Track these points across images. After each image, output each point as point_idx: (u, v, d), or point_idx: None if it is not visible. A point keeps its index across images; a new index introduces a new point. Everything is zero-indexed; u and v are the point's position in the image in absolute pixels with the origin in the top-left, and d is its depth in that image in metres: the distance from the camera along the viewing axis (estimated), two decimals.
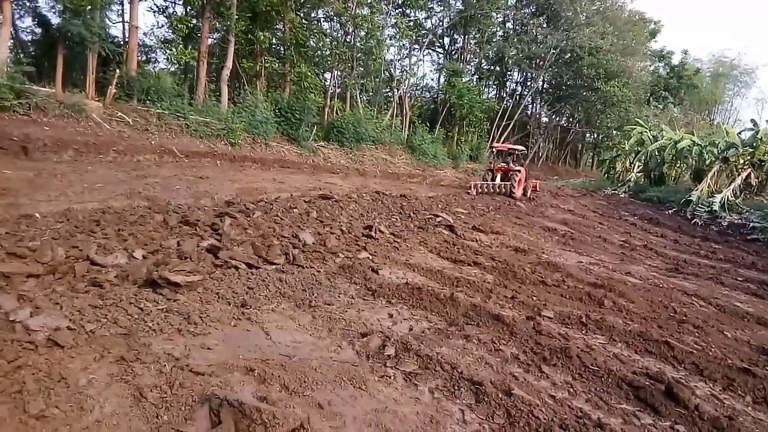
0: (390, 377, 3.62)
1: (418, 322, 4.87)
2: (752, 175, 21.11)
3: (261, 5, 21.43)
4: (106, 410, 2.78)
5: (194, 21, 21.97)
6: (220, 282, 5.04)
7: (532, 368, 4.05)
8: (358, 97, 29.61)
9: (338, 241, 7.49)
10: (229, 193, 10.85)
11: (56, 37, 17.38)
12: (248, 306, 4.56)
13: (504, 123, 40.18)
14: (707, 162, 23.87)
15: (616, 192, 28.33)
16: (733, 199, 19.55)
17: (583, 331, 5.07)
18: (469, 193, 19.23)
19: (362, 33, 26.73)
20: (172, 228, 6.74)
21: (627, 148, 31.76)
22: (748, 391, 4.10)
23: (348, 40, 27.09)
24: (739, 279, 8.96)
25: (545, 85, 47.42)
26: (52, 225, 6.04)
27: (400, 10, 33.57)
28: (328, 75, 29.13)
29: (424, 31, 36.34)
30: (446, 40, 41.18)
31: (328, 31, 28.64)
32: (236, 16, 19.89)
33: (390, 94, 35.44)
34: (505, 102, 42.17)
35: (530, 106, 48.26)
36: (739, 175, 20.95)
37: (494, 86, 46.98)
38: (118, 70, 16.75)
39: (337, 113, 27.28)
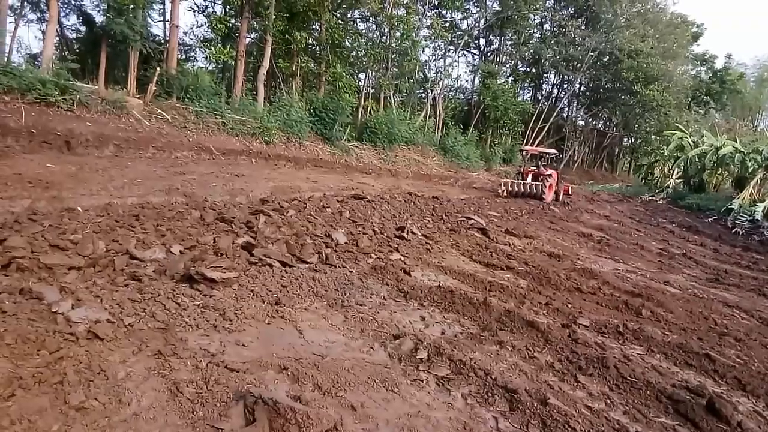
0: (422, 381, 3.59)
1: (451, 325, 4.82)
2: None
3: (298, 5, 21.64)
4: (144, 404, 2.82)
5: (233, 21, 22.36)
6: (255, 279, 5.08)
7: (568, 377, 3.96)
8: (392, 98, 29.62)
9: (370, 242, 7.49)
10: (263, 191, 10.96)
11: (100, 35, 17.91)
12: (282, 304, 4.59)
13: (539, 126, 39.69)
14: (750, 169, 23.11)
15: (653, 198, 27.68)
16: None
17: (620, 341, 4.94)
18: (499, 195, 19.07)
19: (398, 34, 26.76)
20: (209, 224, 6.84)
21: (666, 154, 31.00)
22: None
23: (383, 40, 27.15)
24: None
25: (582, 88, 46.72)
26: (94, 219, 6.19)
27: (436, 11, 33.50)
28: (362, 75, 29.30)
29: (459, 32, 36.19)
30: (482, 41, 40.95)
31: (364, 31, 28.81)
32: (274, 16, 20.12)
33: (424, 95, 35.39)
34: (540, 104, 41.67)
35: (566, 109, 47.64)
36: None
37: (530, 88, 46.52)
38: (158, 68, 17.12)
39: (370, 113, 27.37)
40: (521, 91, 44.18)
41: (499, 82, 35.62)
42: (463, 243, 8.76)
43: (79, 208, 6.61)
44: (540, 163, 21.62)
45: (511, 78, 41.23)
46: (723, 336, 5.48)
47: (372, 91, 29.19)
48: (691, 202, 24.68)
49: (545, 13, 39.54)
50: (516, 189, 19.09)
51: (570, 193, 21.23)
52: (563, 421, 3.20)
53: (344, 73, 23.06)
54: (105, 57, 16.93)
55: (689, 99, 46.60)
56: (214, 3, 26.00)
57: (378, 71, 27.62)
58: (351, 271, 6.03)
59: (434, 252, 7.81)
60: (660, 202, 26.75)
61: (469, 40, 38.42)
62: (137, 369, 3.12)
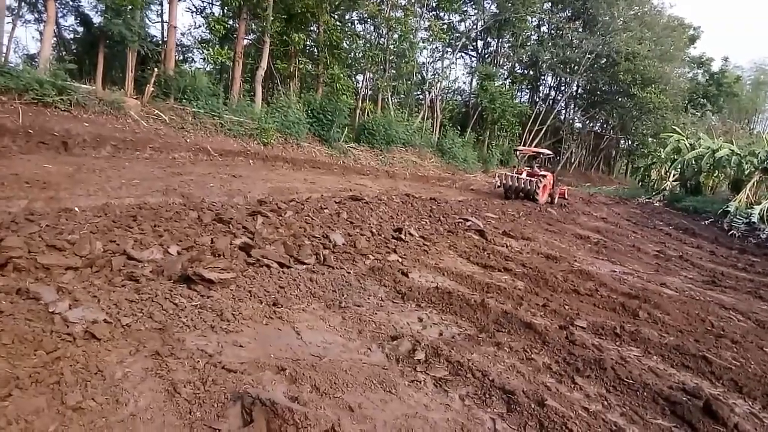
0: (420, 382, 3.59)
1: (448, 327, 4.82)
2: None
3: (297, 7, 21.68)
4: (141, 404, 2.82)
5: (231, 22, 22.35)
6: (253, 280, 5.08)
7: (565, 379, 3.97)
8: (390, 100, 29.64)
9: (368, 243, 7.50)
10: (261, 192, 10.96)
11: (98, 36, 17.90)
12: (279, 305, 4.59)
13: (536, 128, 39.74)
14: (746, 172, 23.19)
15: (650, 201, 27.78)
16: None
17: (618, 343, 4.95)
18: (496, 188, 19.24)
19: (396, 35, 26.79)
20: (206, 225, 6.83)
21: (663, 156, 31.12)
22: None
23: (381, 42, 27.18)
24: None
25: (579, 90, 46.81)
26: (91, 219, 6.18)
27: (434, 12, 33.53)
28: (360, 77, 29.32)
29: (457, 35, 36.21)
30: (479, 43, 41.01)
31: (362, 33, 28.82)
32: (272, 18, 20.11)
33: (421, 96, 35.41)
34: (537, 107, 41.69)
35: (563, 111, 47.71)
36: None
37: (527, 90, 46.62)
38: (156, 69, 17.11)
39: (368, 115, 27.36)
40: (519, 93, 44.28)
41: (496, 84, 35.64)
42: (461, 244, 8.77)
43: (76, 209, 6.60)
44: (534, 163, 21.53)
45: (508, 80, 41.28)
46: (720, 338, 5.50)
47: (370, 92, 29.22)
48: (688, 205, 24.77)
49: (543, 16, 39.61)
50: (510, 182, 19.01)
51: (567, 196, 21.03)
52: (561, 422, 3.21)
53: (342, 75, 23.04)
54: (102, 58, 16.91)
55: (686, 101, 46.75)
56: (212, 4, 26.00)
57: (376, 73, 27.63)
58: (349, 272, 6.03)
59: (432, 253, 7.82)
60: (657, 204, 26.83)
61: (467, 42, 38.46)
62: (134, 369, 3.12)
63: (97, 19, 20.43)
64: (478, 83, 36.40)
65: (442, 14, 34.31)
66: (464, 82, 43.75)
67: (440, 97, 34.61)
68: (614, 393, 3.85)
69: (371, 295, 5.39)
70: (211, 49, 19.98)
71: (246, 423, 2.76)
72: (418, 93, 35.79)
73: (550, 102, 45.13)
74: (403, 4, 27.60)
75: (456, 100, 42.30)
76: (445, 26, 33.31)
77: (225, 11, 23.59)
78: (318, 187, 13.50)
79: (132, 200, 7.86)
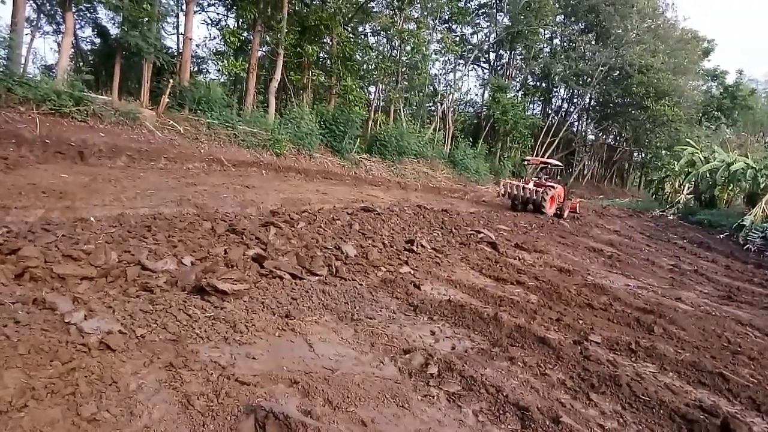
0: (433, 397, 3.56)
1: (461, 340, 4.79)
2: None
3: (310, 19, 21.94)
4: (155, 416, 2.81)
5: (245, 34, 22.61)
6: (265, 291, 5.08)
7: (580, 395, 3.91)
8: (402, 111, 29.77)
9: (380, 255, 7.48)
10: (274, 203, 11.00)
11: (114, 47, 18.18)
12: (292, 317, 4.58)
13: (549, 140, 39.68)
14: (762, 186, 22.98)
15: (664, 214, 27.55)
16: None
17: (633, 359, 4.88)
18: (498, 195, 19.02)
19: (408, 47, 26.95)
20: (220, 236, 6.86)
21: (677, 169, 30.88)
22: None
23: (394, 54, 27.35)
24: None
25: (592, 103, 46.71)
26: (106, 229, 6.23)
27: (447, 25, 33.78)
28: (372, 88, 29.50)
29: (469, 47, 36.37)
30: (492, 55, 41.14)
31: (375, 45, 29.05)
32: (286, 30, 20.33)
33: (433, 108, 35.56)
34: (550, 118, 41.65)
35: (576, 123, 47.65)
36: None
37: (539, 102, 46.62)
38: (171, 80, 17.32)
39: (380, 126, 27.50)
40: (531, 105, 44.31)
41: (508, 96, 35.69)
42: (473, 257, 8.73)
43: (92, 219, 6.67)
44: (542, 174, 21.07)
45: (520, 92, 41.34)
46: (736, 354, 5.41)
47: (382, 104, 29.39)
48: (703, 218, 24.52)
49: (555, 28, 39.69)
50: (515, 192, 18.57)
51: (578, 210, 20.39)
52: None
53: (355, 86, 23.20)
54: (119, 69, 17.14)
55: (700, 114, 46.51)
56: (227, 16, 26.38)
57: (388, 84, 27.80)
58: (361, 284, 6.02)
59: (444, 266, 7.78)
60: (671, 217, 26.61)
61: (479, 55, 38.59)
62: (149, 381, 3.12)
63: (114, 31, 20.86)
64: (490, 95, 36.47)
65: (454, 27, 34.59)
66: (476, 94, 44.01)
67: (452, 109, 34.71)
68: (630, 410, 3.79)
69: (383, 308, 5.37)
70: (225, 61, 20.23)
71: None
72: (430, 104, 35.96)
73: (563, 114, 45.10)
74: (415, 16, 27.81)
75: (468, 111, 42.44)
76: (458, 38, 33.53)
77: (240, 23, 23.93)
78: (330, 198, 13.54)
79: (147, 210, 7.92)
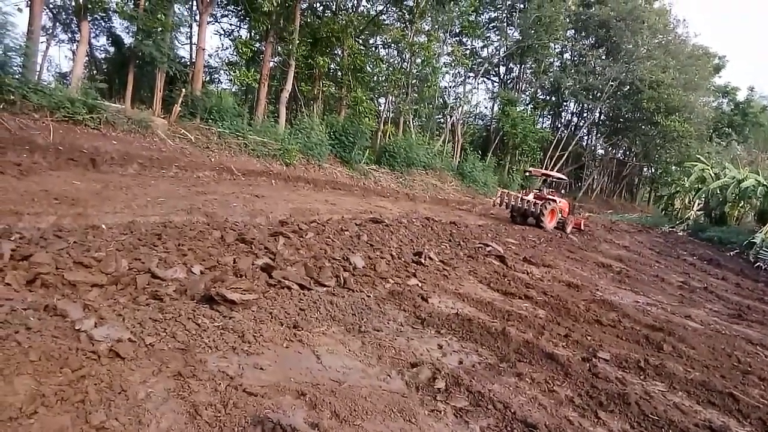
0: (440, 412, 3.55)
1: (469, 355, 4.77)
2: None
3: (322, 31, 22.13)
4: (163, 425, 2.82)
5: (258, 45, 22.81)
6: (274, 301, 5.09)
7: (588, 413, 3.89)
8: (411, 123, 29.86)
9: (388, 266, 7.48)
10: (283, 213, 11.04)
11: (128, 56, 18.39)
12: (300, 327, 4.59)
13: (558, 153, 39.62)
14: None
15: (673, 230, 27.37)
16: None
17: (642, 377, 4.85)
18: (494, 205, 18.76)
19: (418, 60, 27.08)
20: (229, 245, 6.89)
21: (687, 185, 30.73)
22: None
23: (404, 66, 27.48)
24: None
25: (602, 117, 46.65)
26: (117, 236, 6.28)
27: (457, 38, 33.93)
28: (382, 100, 29.62)
29: (479, 60, 36.50)
30: (502, 69, 41.24)
31: (385, 57, 29.19)
32: (298, 41, 20.50)
33: (443, 120, 35.63)
34: (559, 132, 41.62)
35: (586, 137, 47.58)
36: None
37: (549, 116, 46.61)
38: (183, 89, 17.48)
39: (389, 138, 27.57)
40: (540, 119, 44.30)
41: (518, 110, 35.73)
42: (481, 270, 8.71)
43: (103, 226, 6.72)
44: (544, 187, 20.36)
45: (530, 105, 41.37)
46: (747, 374, 5.36)
47: (392, 115, 29.50)
48: (713, 235, 24.35)
49: (566, 43, 39.79)
50: (513, 202, 18.21)
51: (583, 228, 19.77)
52: None
53: (365, 98, 23.31)
54: (132, 77, 17.33)
55: (711, 131, 46.33)
56: (240, 27, 26.64)
57: (398, 96, 27.90)
58: (368, 296, 6.02)
59: (452, 278, 7.77)
60: (680, 233, 26.44)
61: (489, 68, 38.72)
62: (157, 390, 3.14)
63: (128, 40, 21.06)
64: (499, 108, 36.54)
65: (465, 40, 34.71)
66: (486, 107, 43.97)
67: (461, 121, 34.78)
68: (638, 429, 3.76)
69: (391, 320, 5.36)
70: (237, 71, 20.40)
71: None
72: (440, 117, 36.04)
73: (572, 128, 45.07)
74: (426, 29, 27.98)
75: (477, 124, 42.49)
76: (468, 52, 33.71)
77: (252, 34, 24.13)
78: (339, 209, 13.56)
79: (157, 218, 7.97)
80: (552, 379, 4.40)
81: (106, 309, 4.11)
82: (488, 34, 36.78)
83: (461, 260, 9.22)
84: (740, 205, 27.83)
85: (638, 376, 4.85)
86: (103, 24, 22.94)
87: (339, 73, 25.59)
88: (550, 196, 18.70)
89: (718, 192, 27.24)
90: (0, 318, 3.43)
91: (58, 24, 23.32)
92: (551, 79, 39.89)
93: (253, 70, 20.96)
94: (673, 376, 4.87)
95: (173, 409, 2.98)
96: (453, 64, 32.09)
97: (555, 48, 39.59)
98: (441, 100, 34.33)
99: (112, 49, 24.18)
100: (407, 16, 26.73)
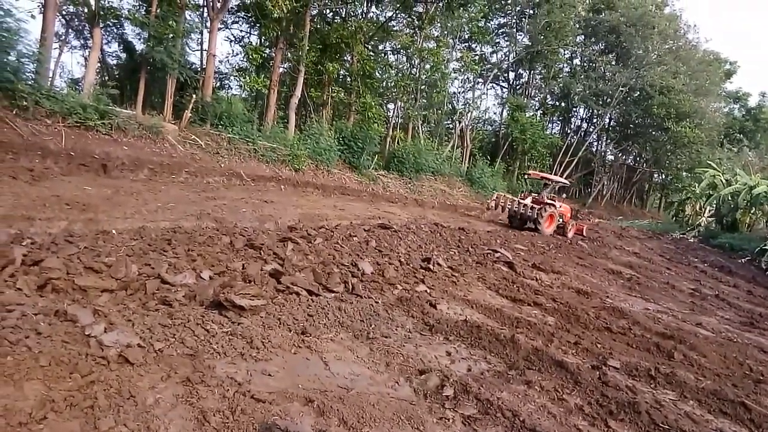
0: (449, 420, 3.53)
1: (477, 362, 4.75)
2: None
3: (332, 37, 22.21)
4: (171, 431, 2.83)
5: (268, 51, 22.93)
6: (282, 307, 5.10)
7: (598, 422, 3.85)
8: (420, 128, 29.86)
9: (396, 272, 7.48)
10: (291, 218, 11.07)
11: (140, 62, 18.53)
12: (308, 334, 4.59)
13: (567, 159, 39.46)
14: None
15: (684, 236, 27.16)
16: None
17: (652, 385, 4.80)
18: (488, 208, 18.55)
19: (428, 66, 27.09)
20: (238, 250, 6.92)
21: (698, 191, 30.49)
22: None
23: (413, 72, 27.49)
24: None
25: (612, 123, 46.41)
26: (127, 242, 6.32)
27: (467, 44, 33.94)
28: (391, 105, 29.64)
29: (489, 65, 36.46)
30: (511, 74, 41.17)
31: (394, 63, 29.22)
32: (307, 48, 20.58)
33: (451, 125, 35.61)
34: (569, 138, 41.43)
35: (595, 143, 47.33)
36: None
37: (558, 122, 46.48)
38: (194, 95, 17.58)
39: (398, 143, 27.57)
40: (550, 125, 44.20)
41: (527, 115, 35.67)
42: (490, 276, 8.68)
43: (113, 231, 6.76)
44: (543, 190, 19.78)
45: (539, 111, 41.32)
46: (759, 383, 5.31)
47: (400, 121, 29.50)
48: (724, 242, 24.14)
49: (575, 48, 39.67)
50: (508, 205, 17.95)
51: (585, 234, 19.45)
52: None
53: (374, 103, 23.33)
54: (144, 83, 17.45)
55: (722, 136, 45.99)
56: (251, 33, 26.78)
57: (407, 102, 27.89)
58: (377, 302, 6.02)
59: (460, 285, 7.75)
60: (691, 240, 26.23)
61: (499, 73, 38.64)
62: (166, 396, 3.15)
63: (140, 47, 21.23)
64: (508, 114, 36.49)
65: (474, 46, 34.70)
66: (495, 113, 43.94)
67: (470, 127, 34.73)
68: None
69: (399, 326, 5.35)
70: (247, 77, 20.53)
71: None
72: (449, 122, 36.04)
73: (582, 134, 44.86)
74: (435, 35, 28.01)
75: (486, 130, 42.38)
76: (477, 57, 33.64)
77: (262, 41, 24.27)
78: (347, 214, 13.58)
79: (167, 224, 8.02)
80: (561, 387, 4.37)
81: (115, 314, 4.13)
82: (497, 40, 36.81)
83: (470, 266, 9.20)
84: (752, 211, 27.58)
85: (649, 385, 4.80)
86: (115, 31, 23.17)
87: (348, 79, 25.65)
88: (549, 200, 18.43)
89: (730, 198, 27.02)
90: (11, 323, 3.45)
91: (70, 30, 23.57)
92: (561, 85, 39.80)
93: (263, 76, 21.06)
94: (684, 385, 4.82)
95: (181, 415, 2.99)
96: (462, 70, 32.08)
97: (564, 54, 39.54)
98: (450, 106, 34.32)
99: (123, 56, 24.40)
100: (416, 22, 26.75)
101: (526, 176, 22.69)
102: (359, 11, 25.19)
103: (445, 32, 28.44)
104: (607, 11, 38.55)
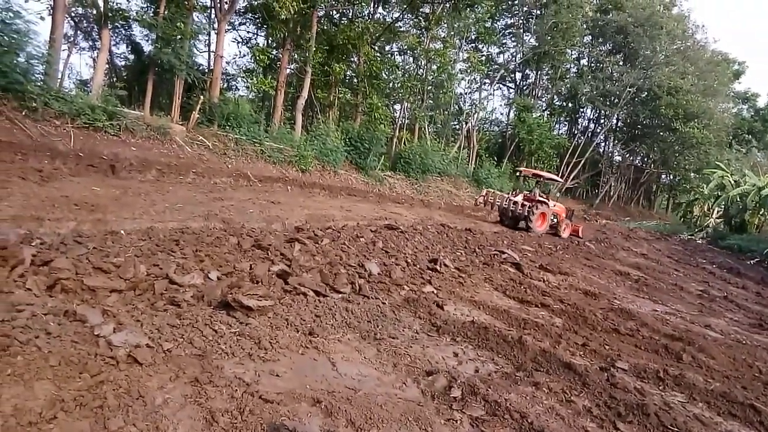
0: (456, 421, 3.52)
1: (485, 363, 4.73)
2: None
3: (338, 39, 22.29)
4: (180, 431, 2.84)
5: (275, 52, 23.01)
6: (289, 308, 5.11)
7: (606, 424, 3.83)
8: (427, 129, 29.86)
9: (403, 273, 7.47)
10: (298, 219, 11.07)
11: (148, 64, 18.66)
12: (315, 334, 4.59)
13: (574, 160, 39.31)
14: None
15: (692, 237, 27.01)
16: None
17: (661, 387, 4.77)
18: (476, 204, 18.29)
19: (434, 67, 27.10)
20: (246, 251, 6.93)
21: (706, 192, 30.33)
22: None
23: (420, 73, 27.51)
24: None
25: (619, 124, 46.22)
26: (136, 242, 6.34)
27: (473, 45, 33.89)
28: (398, 106, 29.65)
29: (495, 66, 36.44)
30: (518, 75, 41.14)
31: (401, 64, 29.24)
32: (314, 49, 20.64)
33: (458, 126, 35.59)
34: (576, 139, 41.29)
35: (603, 144, 47.10)
36: None
37: (565, 122, 46.35)
38: (201, 97, 17.66)
39: (404, 144, 27.59)
40: (557, 125, 44.13)
41: (534, 116, 35.59)
42: (497, 277, 8.65)
43: (122, 232, 6.79)
44: (536, 188, 19.22)
45: (546, 112, 41.19)
46: None
47: (407, 121, 29.51)
48: (732, 243, 23.98)
49: (582, 49, 39.63)
50: (498, 202, 17.60)
51: (581, 234, 19.00)
52: None
53: (380, 104, 23.37)
54: (151, 84, 17.56)
55: (730, 137, 45.73)
56: (258, 35, 26.90)
57: (413, 103, 27.92)
58: (384, 303, 6.01)
59: (467, 286, 7.73)
60: (699, 241, 26.08)
61: (505, 74, 38.60)
62: (174, 396, 3.15)
63: (147, 48, 21.41)
64: (515, 114, 36.42)
65: (480, 46, 34.64)
66: (501, 113, 43.91)
67: (477, 128, 34.70)
68: None
69: (406, 327, 5.34)
70: (254, 78, 20.60)
71: None
72: (455, 123, 36.03)
73: (589, 134, 44.68)
74: (442, 36, 28.01)
75: (493, 130, 42.38)
76: (484, 58, 33.59)
77: (270, 42, 24.37)
78: (354, 215, 13.57)
79: (175, 224, 8.04)
80: (569, 388, 4.35)
81: (124, 314, 4.14)
82: (504, 41, 36.78)
83: (477, 267, 9.17)
84: (761, 212, 27.42)
85: (657, 387, 4.77)
86: (123, 32, 23.36)
87: (355, 80, 25.72)
88: (542, 199, 17.97)
89: (738, 199, 26.86)
90: (21, 323, 3.47)
91: (79, 32, 23.76)
92: (568, 86, 39.73)
93: (270, 77, 21.14)
94: (693, 387, 4.79)
95: (190, 416, 2.99)
96: (469, 71, 32.03)
97: (572, 54, 39.48)
98: (456, 107, 34.34)
99: (131, 57, 24.60)
100: (423, 22, 26.80)
101: (518, 173, 22.37)
102: (366, 12, 25.25)
103: (452, 33, 28.43)
104: (615, 11, 38.40)
